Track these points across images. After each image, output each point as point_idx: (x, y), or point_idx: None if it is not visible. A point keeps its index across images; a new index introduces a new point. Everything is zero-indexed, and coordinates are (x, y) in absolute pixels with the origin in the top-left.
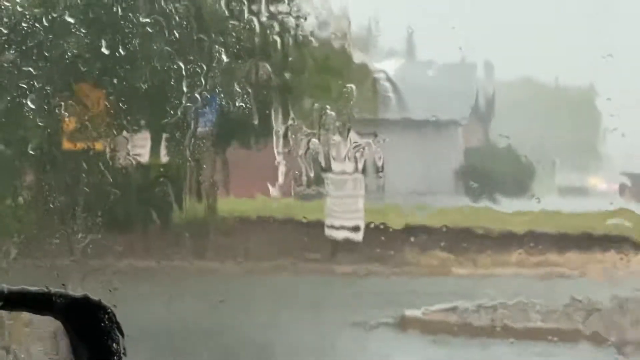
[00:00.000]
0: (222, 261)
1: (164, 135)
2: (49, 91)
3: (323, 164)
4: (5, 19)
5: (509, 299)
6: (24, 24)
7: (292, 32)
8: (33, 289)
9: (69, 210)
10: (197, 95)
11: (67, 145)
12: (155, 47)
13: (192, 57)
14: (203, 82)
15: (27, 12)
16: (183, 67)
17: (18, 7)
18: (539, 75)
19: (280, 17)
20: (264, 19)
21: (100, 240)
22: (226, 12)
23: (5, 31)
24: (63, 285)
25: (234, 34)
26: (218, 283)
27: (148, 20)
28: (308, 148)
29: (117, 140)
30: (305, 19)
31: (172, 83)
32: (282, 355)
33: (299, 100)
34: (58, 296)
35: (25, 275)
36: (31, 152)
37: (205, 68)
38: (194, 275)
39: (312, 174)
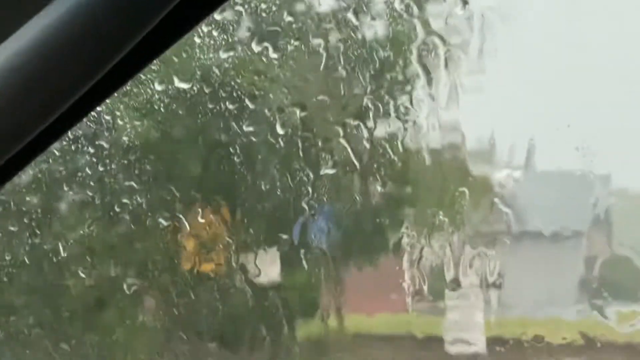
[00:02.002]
0: None
1: (282, 253)
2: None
3: (441, 276)
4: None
5: None
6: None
7: (403, 143)
8: None
9: (190, 335)
10: (305, 205)
11: (186, 266)
12: (260, 158)
13: (298, 166)
14: (310, 190)
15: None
16: (289, 178)
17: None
18: None
19: (389, 128)
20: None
21: None
22: (331, 119)
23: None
24: None
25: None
26: None
27: (252, 129)
28: (421, 258)
29: (242, 261)
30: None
31: (278, 194)
32: None
33: (412, 212)
34: None
35: None
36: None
37: (312, 176)
38: None
39: (426, 287)
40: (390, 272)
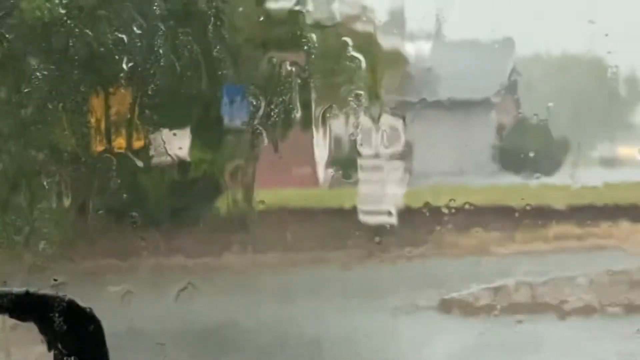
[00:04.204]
0: (262, 254)
1: (195, 131)
2: (76, 94)
3: (354, 149)
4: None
5: (549, 275)
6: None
7: (314, 20)
8: None
9: (104, 211)
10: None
11: (99, 147)
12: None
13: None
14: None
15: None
16: (202, 61)
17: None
18: (567, 49)
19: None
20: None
21: (138, 240)
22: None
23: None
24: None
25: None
26: (258, 277)
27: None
28: (331, 131)
29: (152, 139)
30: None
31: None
32: (326, 345)
33: (324, 88)
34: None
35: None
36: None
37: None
38: (236, 270)
39: (337, 160)
40: (300, 146)
